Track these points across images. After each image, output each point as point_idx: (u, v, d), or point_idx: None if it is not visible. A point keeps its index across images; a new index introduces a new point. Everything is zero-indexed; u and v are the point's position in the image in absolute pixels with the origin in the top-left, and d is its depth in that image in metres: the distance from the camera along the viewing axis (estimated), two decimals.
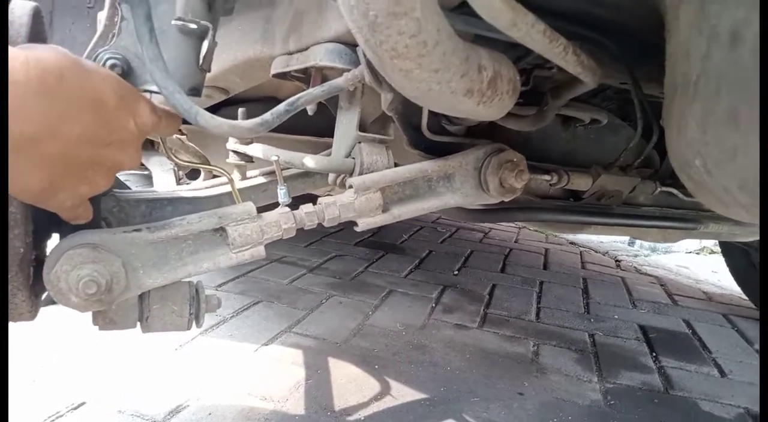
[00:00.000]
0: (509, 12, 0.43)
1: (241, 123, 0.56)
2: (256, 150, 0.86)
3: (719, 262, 2.80)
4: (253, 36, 0.94)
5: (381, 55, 0.46)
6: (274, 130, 1.28)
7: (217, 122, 0.53)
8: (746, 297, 2.22)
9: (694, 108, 0.52)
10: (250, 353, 1.33)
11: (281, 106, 0.61)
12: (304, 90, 0.97)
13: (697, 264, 3.07)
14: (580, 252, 2.98)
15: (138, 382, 1.14)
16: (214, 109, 1.43)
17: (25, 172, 0.45)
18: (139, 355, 1.25)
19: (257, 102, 1.41)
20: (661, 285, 2.47)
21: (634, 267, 2.81)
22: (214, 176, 1.01)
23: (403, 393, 1.20)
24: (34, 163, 0.44)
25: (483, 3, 0.41)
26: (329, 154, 0.89)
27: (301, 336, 1.46)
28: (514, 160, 0.74)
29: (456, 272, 2.26)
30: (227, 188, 0.86)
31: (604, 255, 3.01)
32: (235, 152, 0.93)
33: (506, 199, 0.76)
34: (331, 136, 1.33)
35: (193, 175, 1.50)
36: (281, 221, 0.66)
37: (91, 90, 0.45)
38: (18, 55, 0.41)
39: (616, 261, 2.90)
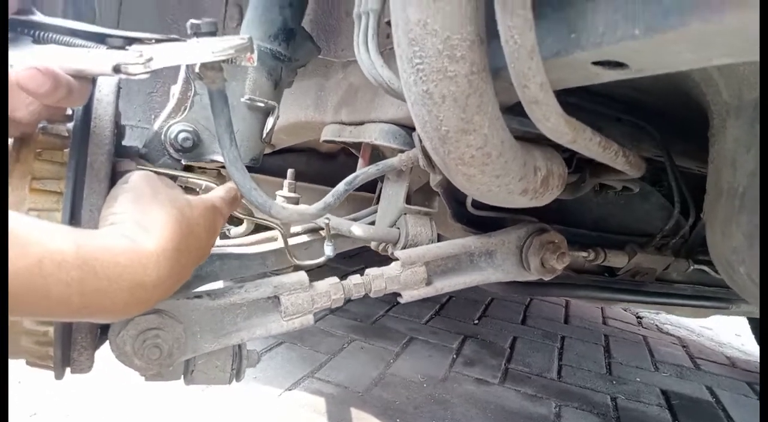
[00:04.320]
0: (571, 133, 0.46)
1: (308, 209, 0.60)
2: None
3: (743, 325, 2.74)
4: (305, 101, 1.00)
5: (448, 163, 0.49)
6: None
7: (288, 212, 0.57)
8: None
9: (740, 218, 0.55)
10: (274, 398, 1.35)
11: (340, 187, 0.65)
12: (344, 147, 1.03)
13: (720, 325, 3.00)
14: (601, 306, 2.94)
15: None
16: None
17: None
18: (165, 395, 1.27)
19: (297, 152, 1.47)
20: (683, 346, 2.44)
21: (656, 325, 2.77)
22: (256, 227, 1.05)
23: None
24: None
25: (549, 127, 0.44)
26: (366, 215, 0.93)
27: (324, 383, 1.47)
28: (556, 241, 0.77)
29: (476, 321, 2.25)
30: (272, 246, 0.90)
31: (625, 310, 2.97)
32: None
33: (546, 278, 0.78)
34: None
35: (231, 220, 1.56)
36: (331, 292, 0.69)
37: (197, 237, 0.50)
38: (149, 259, 0.42)
39: (638, 318, 2.86)
